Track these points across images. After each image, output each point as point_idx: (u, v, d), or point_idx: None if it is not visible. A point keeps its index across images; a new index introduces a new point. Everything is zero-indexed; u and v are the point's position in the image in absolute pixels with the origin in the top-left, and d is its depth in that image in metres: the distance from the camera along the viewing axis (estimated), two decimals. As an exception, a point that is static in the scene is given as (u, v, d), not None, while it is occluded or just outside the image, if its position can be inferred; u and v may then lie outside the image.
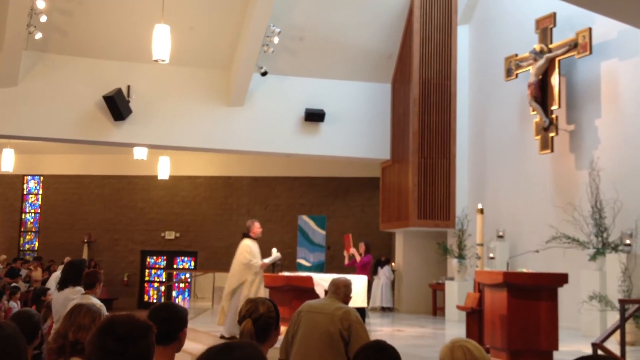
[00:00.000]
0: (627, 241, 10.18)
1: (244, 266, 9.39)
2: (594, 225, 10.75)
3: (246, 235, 9.69)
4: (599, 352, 6.93)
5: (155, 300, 20.19)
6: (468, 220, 13.82)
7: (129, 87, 14.41)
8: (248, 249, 9.47)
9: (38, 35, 13.30)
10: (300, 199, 20.08)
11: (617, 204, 10.60)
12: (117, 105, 13.99)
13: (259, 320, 3.07)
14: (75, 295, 5.56)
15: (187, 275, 20.31)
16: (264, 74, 14.62)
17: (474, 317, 8.42)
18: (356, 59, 15.46)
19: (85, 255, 19.68)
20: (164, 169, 19.18)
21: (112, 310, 13.47)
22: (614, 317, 8.69)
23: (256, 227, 9.60)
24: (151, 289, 20.87)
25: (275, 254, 10.14)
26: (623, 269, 9.90)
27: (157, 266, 20.93)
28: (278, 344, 4.13)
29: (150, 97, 14.57)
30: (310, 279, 10.23)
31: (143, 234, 20.58)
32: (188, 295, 20.17)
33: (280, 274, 11.57)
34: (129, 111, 14.31)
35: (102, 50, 14.30)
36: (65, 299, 5.59)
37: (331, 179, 20.00)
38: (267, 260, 9.78)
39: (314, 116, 15.27)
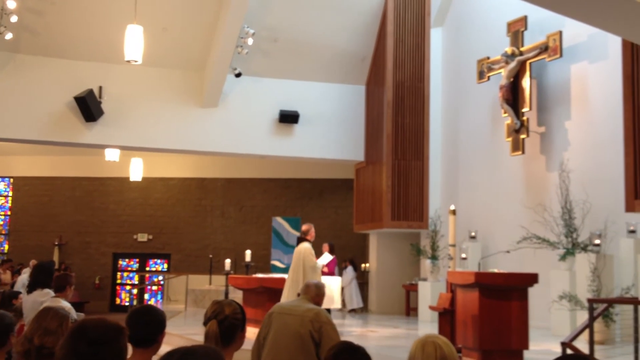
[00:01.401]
0: (596, 241, 10.33)
1: (311, 269, 9.61)
2: (563, 226, 10.90)
3: (303, 239, 9.92)
4: (568, 351, 7.03)
5: (127, 304, 20.00)
6: (441, 221, 13.91)
7: (100, 87, 14.28)
8: (312, 252, 9.75)
9: (8, 36, 13.12)
10: (275, 201, 20.05)
11: (587, 205, 10.76)
12: (89, 106, 13.85)
13: (225, 321, 3.07)
14: (45, 297, 5.48)
15: (160, 277, 20.16)
16: (238, 75, 14.58)
17: (446, 317, 8.49)
18: (330, 61, 15.49)
19: (56, 258, 19.43)
20: (136, 171, 19.02)
21: (84, 314, 13.30)
22: (583, 317, 8.82)
23: (313, 231, 9.98)
24: (123, 291, 20.67)
25: (327, 256, 10.60)
26: (592, 268, 10.04)
27: (129, 269, 20.74)
28: (248, 346, 4.13)
29: (123, 98, 14.45)
30: (284, 280, 10.21)
31: (115, 237, 20.37)
32: (161, 298, 20.02)
33: (254, 275, 11.55)
34: (101, 112, 14.18)
35: (73, 50, 14.14)
36: (34, 302, 5.51)
37: (305, 181, 20.00)
38: (324, 262, 10.25)
39: (288, 118, 15.27)
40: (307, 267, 9.60)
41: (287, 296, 9.30)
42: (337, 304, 10.95)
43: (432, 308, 9.25)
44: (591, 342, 7.30)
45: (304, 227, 10.02)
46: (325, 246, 12.36)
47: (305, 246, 9.75)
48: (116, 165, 18.53)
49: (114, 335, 2.29)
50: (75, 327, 2.30)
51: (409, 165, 14.80)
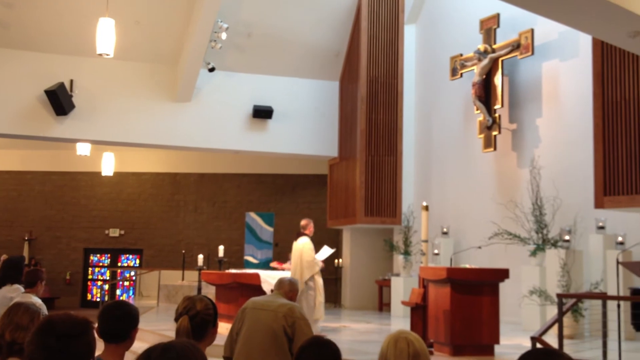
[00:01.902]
0: (566, 237, 10.48)
1: (307, 264, 9.79)
2: (534, 222, 11.05)
3: (302, 234, 10.07)
4: (538, 345, 7.13)
5: (98, 299, 19.81)
6: (414, 217, 14.01)
7: (71, 81, 14.09)
8: (311, 246, 9.91)
9: (-24, 27, 12.89)
10: (248, 196, 19.99)
11: (557, 201, 10.92)
12: (60, 100, 13.66)
13: (196, 317, 3.07)
14: (14, 293, 5.43)
15: (132, 273, 20.00)
16: (212, 69, 14.50)
17: (418, 312, 8.56)
18: (304, 57, 15.48)
19: (26, 253, 19.15)
20: (108, 165, 18.81)
21: (54, 310, 13.15)
22: (553, 311, 8.95)
23: (312, 226, 10.16)
24: (94, 287, 20.47)
25: (326, 250, 10.66)
26: (562, 264, 10.20)
27: (100, 264, 20.54)
28: (221, 342, 4.12)
29: (94, 91, 14.28)
30: (257, 276, 10.19)
31: (86, 232, 20.15)
32: (133, 294, 19.86)
33: (227, 271, 11.50)
34: (72, 106, 14.00)
35: (44, 43, 13.93)
36: (3, 297, 5.45)
37: (279, 176, 19.98)
38: (323, 257, 10.23)
39: (262, 113, 15.23)
40: (303, 261, 9.70)
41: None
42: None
43: (404, 303, 9.31)
44: (560, 337, 7.41)
45: (303, 222, 10.21)
46: None
47: (305, 241, 9.93)
48: (87, 159, 18.33)
49: (82, 329, 2.30)
50: (43, 322, 2.31)
51: (382, 161, 14.87)
